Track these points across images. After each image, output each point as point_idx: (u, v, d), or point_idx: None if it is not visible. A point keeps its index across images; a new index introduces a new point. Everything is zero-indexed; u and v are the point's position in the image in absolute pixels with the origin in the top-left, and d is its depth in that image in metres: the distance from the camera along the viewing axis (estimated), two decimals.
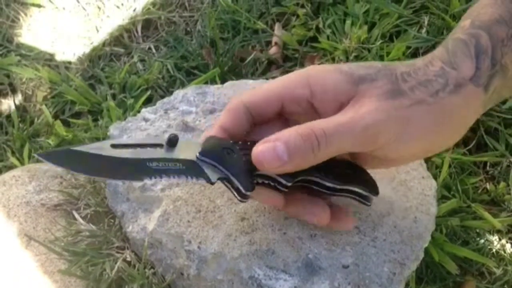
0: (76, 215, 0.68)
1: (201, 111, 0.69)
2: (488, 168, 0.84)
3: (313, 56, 0.96)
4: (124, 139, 0.43)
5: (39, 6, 1.11)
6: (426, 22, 0.92)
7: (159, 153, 0.43)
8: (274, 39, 1.00)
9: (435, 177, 0.72)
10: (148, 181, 0.42)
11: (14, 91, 1.02)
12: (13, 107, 0.99)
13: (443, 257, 0.71)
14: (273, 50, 0.99)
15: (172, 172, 0.42)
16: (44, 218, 0.68)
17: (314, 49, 0.97)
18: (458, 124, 0.44)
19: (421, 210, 0.61)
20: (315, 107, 0.45)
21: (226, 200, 0.59)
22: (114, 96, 0.97)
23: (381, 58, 0.90)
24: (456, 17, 0.90)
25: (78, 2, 1.12)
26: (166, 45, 1.05)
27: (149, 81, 0.97)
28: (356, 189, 0.50)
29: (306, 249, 0.56)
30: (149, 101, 0.95)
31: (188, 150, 0.44)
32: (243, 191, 0.44)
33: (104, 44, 1.06)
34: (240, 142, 0.46)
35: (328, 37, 0.96)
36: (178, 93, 0.72)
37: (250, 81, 0.74)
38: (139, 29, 1.08)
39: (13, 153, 0.91)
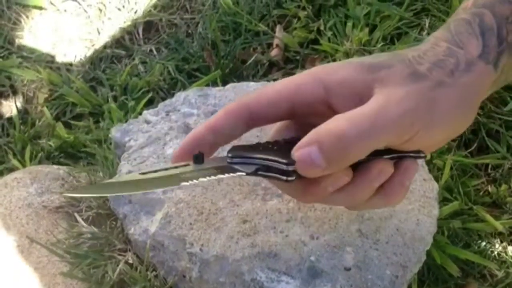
0: (78, 217, 0.68)
1: (203, 113, 0.69)
2: (489, 170, 0.84)
3: (314, 58, 0.96)
4: (150, 168, 0.42)
5: (40, 8, 1.11)
6: (427, 25, 0.92)
7: (189, 168, 0.41)
8: (275, 41, 1.00)
9: (437, 179, 0.72)
10: (185, 183, 0.40)
11: (15, 93, 1.02)
12: (14, 109, 0.99)
13: (445, 259, 0.71)
14: (274, 52, 1.00)
15: (207, 175, 0.40)
16: (46, 220, 0.68)
17: (315, 51, 0.97)
18: (475, 102, 0.43)
19: (423, 213, 0.61)
20: (332, 104, 0.42)
21: (228, 202, 0.59)
22: (115, 98, 0.97)
23: None
24: None
25: (80, 4, 1.12)
26: (167, 47, 1.05)
27: (150, 83, 0.97)
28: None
29: (308, 252, 0.56)
30: (150, 103, 0.95)
31: (216, 162, 0.42)
32: (285, 168, 0.39)
33: (105, 46, 1.06)
34: (270, 141, 0.44)
35: (329, 39, 0.96)
36: (180, 95, 0.72)
37: (252, 83, 0.74)
38: (140, 31, 1.08)
39: (14, 155, 0.91)
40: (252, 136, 0.61)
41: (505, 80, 0.45)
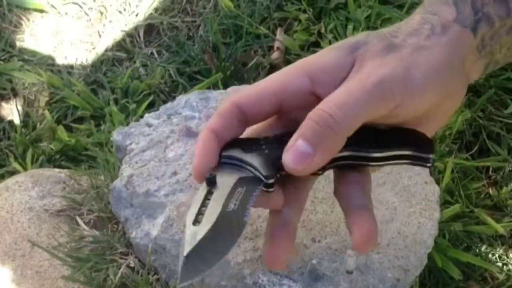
0: (79, 221, 0.68)
1: (204, 116, 0.69)
2: (490, 173, 0.84)
3: None
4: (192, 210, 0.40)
5: (41, 11, 1.11)
6: None
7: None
8: (276, 44, 1.00)
9: (438, 182, 0.72)
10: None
11: (16, 96, 1.02)
12: (15, 112, 0.99)
13: (446, 262, 0.71)
14: (275, 55, 1.00)
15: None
16: (47, 223, 0.68)
17: None
18: (458, 65, 0.42)
19: (425, 216, 0.61)
20: (320, 94, 0.42)
21: None
22: (116, 101, 0.97)
23: None
24: None
25: (81, 7, 1.12)
26: (168, 50, 1.05)
27: (152, 86, 0.98)
28: (405, 152, 0.43)
29: (310, 255, 0.56)
30: (151, 106, 0.95)
31: (227, 180, 0.42)
32: (264, 180, 0.40)
33: (106, 49, 1.06)
34: (262, 138, 0.43)
35: (330, 42, 0.96)
36: (181, 99, 0.72)
37: None
38: (141, 34, 1.08)
39: (15, 158, 0.91)
40: None
41: (491, 55, 0.44)
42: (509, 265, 0.75)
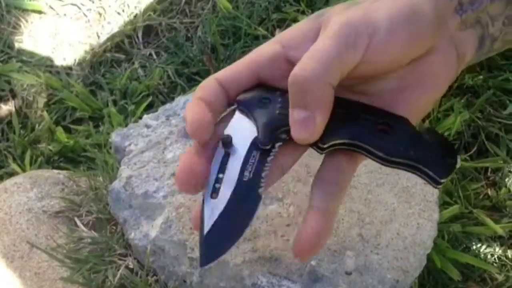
0: (78, 222, 0.68)
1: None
2: (489, 174, 0.84)
3: None
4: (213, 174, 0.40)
5: (40, 12, 1.11)
6: None
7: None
8: None
9: None
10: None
11: (15, 97, 1.02)
12: (14, 113, 0.99)
13: (445, 263, 0.71)
14: None
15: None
16: (46, 225, 0.68)
17: None
18: (433, 16, 0.40)
19: (424, 217, 0.61)
20: (293, 60, 0.41)
21: None
22: (115, 102, 0.97)
23: None
24: None
25: (79, 8, 1.12)
26: (167, 51, 1.05)
27: (150, 87, 0.98)
28: (420, 167, 0.39)
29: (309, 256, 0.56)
30: (150, 107, 0.95)
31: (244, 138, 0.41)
32: (259, 145, 0.40)
33: (105, 50, 1.06)
34: (278, 92, 0.42)
35: None
36: (180, 100, 0.72)
37: None
38: (140, 35, 1.08)
39: (14, 159, 0.91)
40: None
41: (480, 25, 0.43)
42: (508, 266, 0.75)
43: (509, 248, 0.77)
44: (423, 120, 0.81)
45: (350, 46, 0.39)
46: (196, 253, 0.57)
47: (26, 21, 1.10)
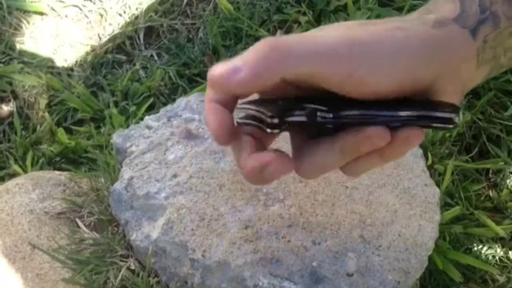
0: (80, 223, 0.68)
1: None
2: (490, 175, 0.84)
3: None
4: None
5: (41, 14, 1.11)
6: None
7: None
8: None
9: (438, 185, 0.72)
10: None
11: (16, 98, 1.02)
12: (15, 114, 0.99)
13: (446, 264, 0.71)
14: None
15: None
16: (48, 226, 0.68)
17: None
18: (445, 57, 0.38)
19: (425, 218, 0.61)
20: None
21: (229, 208, 0.59)
22: (116, 104, 0.97)
23: None
24: None
25: (81, 10, 1.12)
26: (168, 52, 1.05)
27: (152, 88, 0.98)
28: (437, 114, 0.37)
29: (310, 257, 0.56)
30: (151, 108, 0.95)
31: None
32: (267, 120, 0.38)
33: (106, 51, 1.06)
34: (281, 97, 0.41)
35: None
36: (181, 101, 0.72)
37: None
38: (141, 36, 1.08)
39: (15, 160, 0.91)
40: None
41: (494, 59, 0.41)
42: (509, 267, 0.75)
43: (510, 249, 0.77)
44: None
45: (331, 68, 0.36)
46: (197, 255, 0.57)
47: (28, 22, 1.10)
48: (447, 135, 0.82)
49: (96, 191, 0.70)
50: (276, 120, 0.38)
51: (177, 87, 0.99)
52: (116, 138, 0.70)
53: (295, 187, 0.61)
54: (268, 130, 0.38)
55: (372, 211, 0.60)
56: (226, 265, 0.56)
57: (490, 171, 0.84)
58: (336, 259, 0.56)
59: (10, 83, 1.02)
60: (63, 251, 0.64)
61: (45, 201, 0.70)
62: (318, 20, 1.02)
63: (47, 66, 1.05)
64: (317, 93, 0.38)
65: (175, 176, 0.63)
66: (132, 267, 0.62)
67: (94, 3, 1.12)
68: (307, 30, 1.00)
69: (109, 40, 1.08)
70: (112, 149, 0.75)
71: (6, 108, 1.02)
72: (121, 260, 0.63)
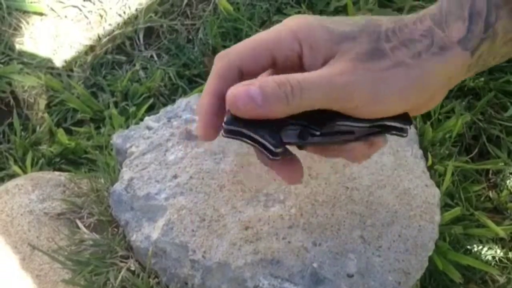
0: (80, 224, 0.68)
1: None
2: (490, 176, 0.84)
3: None
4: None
5: (41, 14, 1.11)
6: None
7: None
8: None
9: (438, 185, 0.72)
10: None
11: (16, 99, 1.02)
12: (15, 115, 0.99)
13: (446, 265, 0.71)
14: None
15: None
16: (48, 227, 0.68)
17: None
18: (440, 85, 0.43)
19: (425, 219, 0.61)
20: (303, 63, 0.44)
21: (230, 209, 0.59)
22: (116, 104, 0.97)
23: None
24: None
25: (80, 10, 1.12)
26: (168, 53, 1.05)
27: (151, 89, 0.98)
28: (392, 124, 0.45)
29: (311, 258, 0.56)
30: (151, 109, 0.95)
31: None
32: (272, 149, 0.42)
33: (106, 52, 1.06)
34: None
35: None
36: (181, 102, 0.72)
37: None
38: (141, 37, 1.08)
39: (15, 161, 0.91)
40: None
41: (484, 65, 0.44)
42: (509, 268, 0.75)
43: (510, 250, 0.77)
44: (424, 122, 0.81)
45: (340, 104, 0.41)
46: (197, 255, 0.57)
47: (27, 23, 1.10)
48: (447, 136, 0.82)
49: (96, 192, 0.70)
50: (280, 150, 0.42)
51: (177, 88, 0.99)
52: (116, 139, 0.70)
53: (295, 188, 0.61)
54: (271, 157, 0.42)
55: (372, 212, 0.60)
56: (226, 266, 0.56)
57: (490, 171, 0.84)
58: (336, 260, 0.56)
59: (10, 84, 1.02)
60: (63, 252, 0.64)
61: (45, 202, 0.70)
62: None
63: (46, 66, 1.05)
64: None
65: (175, 177, 0.63)
66: (132, 268, 0.62)
67: (94, 4, 1.12)
68: None
69: (108, 41, 1.08)
70: (112, 149, 0.75)
71: (5, 109, 1.02)
72: (121, 261, 0.63)
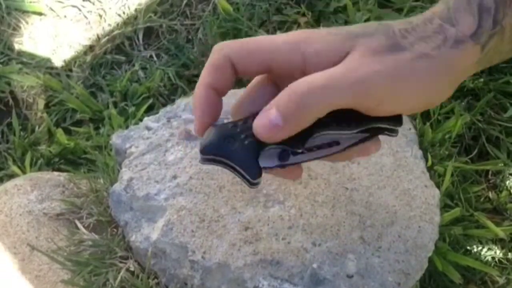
0: (79, 225, 0.68)
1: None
2: (490, 176, 0.84)
3: None
4: None
5: (40, 14, 1.11)
6: None
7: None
8: None
9: (438, 186, 0.72)
10: None
11: (15, 99, 1.02)
12: (14, 115, 0.99)
13: (446, 266, 0.71)
14: None
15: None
16: (47, 227, 0.68)
17: None
18: (456, 78, 0.43)
19: (425, 219, 0.61)
20: (308, 71, 0.42)
21: (229, 209, 0.59)
22: (115, 104, 0.97)
23: None
24: None
25: (80, 10, 1.12)
26: (167, 53, 1.05)
27: (151, 89, 0.97)
28: (382, 125, 0.45)
29: (311, 259, 0.56)
30: (151, 109, 0.95)
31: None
32: (250, 180, 0.42)
33: (105, 52, 1.06)
34: (240, 123, 0.43)
35: None
36: (181, 102, 0.72)
37: None
38: (140, 37, 1.08)
39: (14, 161, 0.91)
40: None
41: (487, 62, 0.45)
42: (509, 269, 0.75)
43: (510, 250, 0.77)
44: (424, 123, 0.81)
45: (358, 103, 0.40)
46: (197, 256, 0.57)
47: (27, 22, 1.10)
48: (447, 136, 0.82)
49: (95, 192, 0.70)
50: (259, 180, 0.42)
51: (176, 88, 0.99)
52: (116, 139, 0.70)
53: (295, 188, 0.61)
54: (250, 186, 0.42)
55: (372, 212, 0.60)
56: (226, 267, 0.55)
57: (490, 172, 0.84)
58: (336, 260, 0.56)
59: (9, 84, 1.02)
60: (62, 253, 0.64)
61: (44, 202, 0.70)
62: (318, 21, 1.02)
63: (45, 66, 1.05)
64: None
65: (174, 177, 0.63)
66: (132, 269, 0.62)
67: (93, 4, 1.12)
68: None
69: (108, 41, 1.08)
70: (111, 150, 0.75)
71: (4, 109, 1.02)
72: (121, 262, 0.63)
